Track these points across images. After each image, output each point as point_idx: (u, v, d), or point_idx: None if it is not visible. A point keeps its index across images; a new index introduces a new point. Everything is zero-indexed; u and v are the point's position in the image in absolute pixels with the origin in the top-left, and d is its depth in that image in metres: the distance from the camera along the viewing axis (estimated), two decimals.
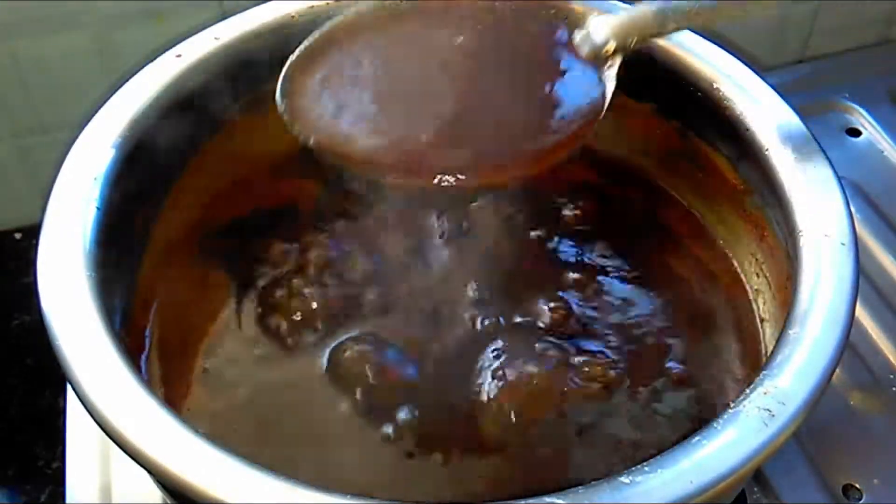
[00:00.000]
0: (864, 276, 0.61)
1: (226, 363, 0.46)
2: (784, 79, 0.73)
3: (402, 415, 0.44)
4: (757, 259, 0.48)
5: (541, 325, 0.47)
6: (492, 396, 0.44)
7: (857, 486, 0.51)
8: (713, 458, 0.34)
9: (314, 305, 0.47)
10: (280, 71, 0.46)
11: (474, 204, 0.51)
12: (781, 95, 0.47)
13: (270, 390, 0.45)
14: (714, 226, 0.51)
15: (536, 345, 0.46)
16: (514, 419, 0.44)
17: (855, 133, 0.71)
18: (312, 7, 0.50)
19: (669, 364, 0.46)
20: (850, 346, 0.55)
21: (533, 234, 0.52)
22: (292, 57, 0.45)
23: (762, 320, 0.47)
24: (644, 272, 0.50)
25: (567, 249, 0.51)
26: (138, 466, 0.34)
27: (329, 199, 0.51)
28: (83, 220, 0.41)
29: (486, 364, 0.45)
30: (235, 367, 0.46)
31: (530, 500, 0.33)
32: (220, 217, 0.51)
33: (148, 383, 0.36)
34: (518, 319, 0.48)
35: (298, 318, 0.47)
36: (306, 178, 0.51)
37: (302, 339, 0.47)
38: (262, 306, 0.48)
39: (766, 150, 0.45)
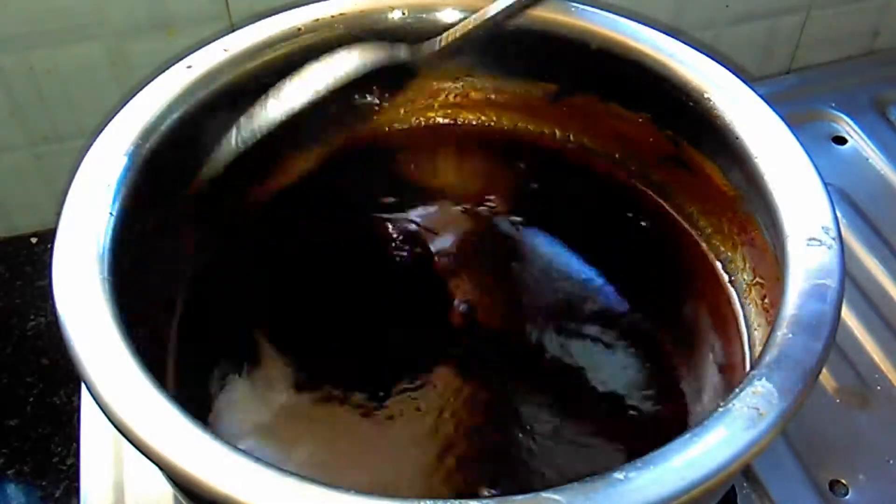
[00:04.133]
0: (850, 279, 0.61)
1: (237, 364, 0.47)
2: (772, 89, 0.74)
3: None
4: (747, 260, 0.49)
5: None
6: None
7: (843, 481, 0.52)
8: (704, 455, 0.34)
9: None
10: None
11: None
12: (770, 105, 0.47)
13: (285, 391, 0.46)
14: (706, 227, 0.51)
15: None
16: None
17: (841, 141, 0.71)
18: (318, 20, 0.51)
19: (655, 353, 0.48)
20: (837, 346, 0.56)
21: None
22: None
23: (752, 319, 0.48)
24: (638, 267, 0.51)
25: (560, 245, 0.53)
26: (150, 463, 0.35)
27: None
28: (97, 226, 0.41)
29: None
30: (247, 368, 0.47)
31: (528, 497, 0.33)
32: (232, 222, 0.51)
33: (159, 383, 0.36)
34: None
35: (313, 324, 0.48)
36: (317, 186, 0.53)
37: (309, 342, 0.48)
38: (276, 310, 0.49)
39: (755, 157, 0.45)
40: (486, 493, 0.42)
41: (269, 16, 0.51)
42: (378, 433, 0.45)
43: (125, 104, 0.46)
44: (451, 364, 0.47)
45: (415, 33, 0.53)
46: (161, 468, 0.35)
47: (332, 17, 0.51)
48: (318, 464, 0.44)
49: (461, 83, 0.56)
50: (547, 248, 0.53)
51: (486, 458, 0.44)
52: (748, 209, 0.47)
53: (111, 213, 0.42)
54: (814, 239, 0.41)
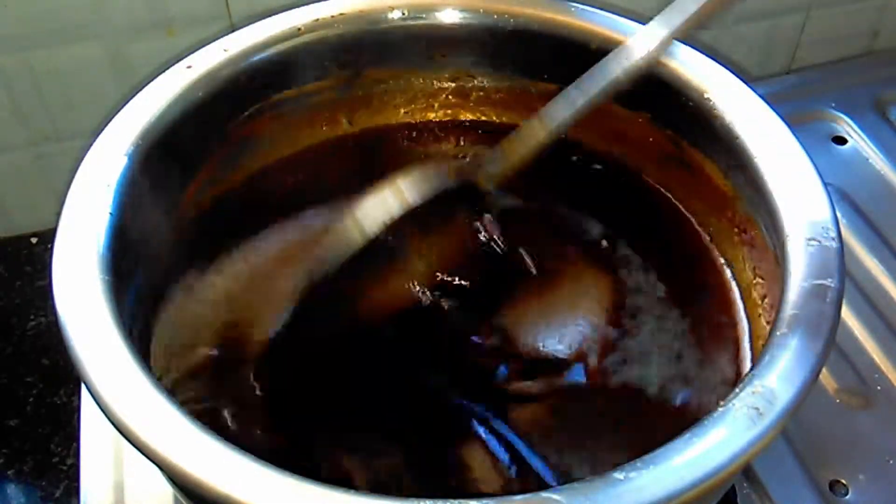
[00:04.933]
0: (850, 279, 0.61)
1: (237, 364, 0.46)
2: (772, 89, 0.74)
3: None
4: (747, 260, 0.49)
5: None
6: None
7: (843, 481, 0.52)
8: (704, 455, 0.34)
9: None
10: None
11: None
12: (770, 105, 0.47)
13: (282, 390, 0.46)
14: (706, 227, 0.52)
15: None
16: None
17: (841, 141, 0.71)
18: (318, 20, 0.51)
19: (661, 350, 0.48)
20: (837, 346, 0.56)
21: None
22: None
23: (754, 317, 0.48)
24: (642, 266, 0.51)
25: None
26: (150, 463, 0.35)
27: None
28: (97, 226, 0.41)
29: None
30: (248, 368, 0.46)
31: (528, 497, 0.33)
32: (231, 222, 0.51)
33: (159, 382, 0.36)
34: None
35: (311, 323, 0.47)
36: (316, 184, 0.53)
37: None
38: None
39: (755, 157, 0.46)
40: None
41: (269, 16, 0.51)
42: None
43: (125, 104, 0.46)
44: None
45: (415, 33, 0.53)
46: (161, 468, 0.35)
47: (332, 17, 0.51)
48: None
49: (461, 83, 0.56)
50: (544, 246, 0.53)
51: None
52: (748, 209, 0.48)
53: (111, 213, 0.42)
54: (814, 239, 0.42)
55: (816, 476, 0.52)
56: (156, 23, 0.60)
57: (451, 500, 0.33)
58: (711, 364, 0.47)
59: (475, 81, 0.56)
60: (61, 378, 0.58)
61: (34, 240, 0.66)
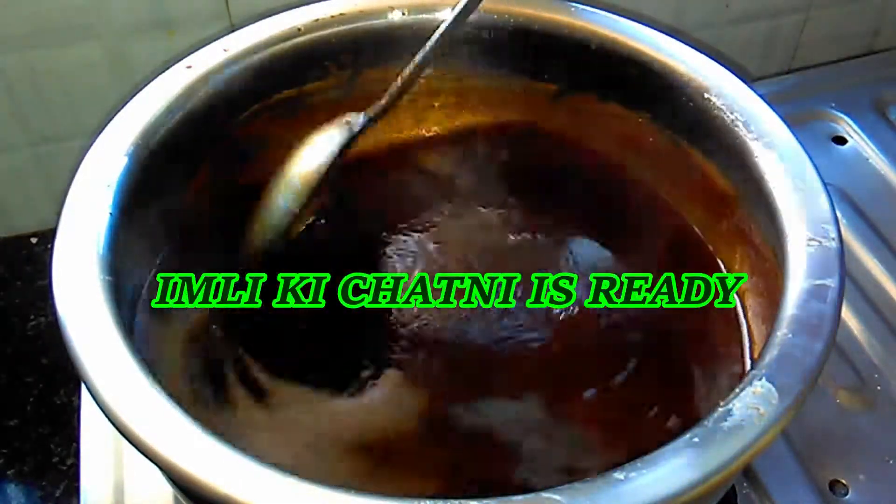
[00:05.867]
0: (850, 279, 0.61)
1: (236, 364, 0.47)
2: (772, 89, 0.74)
3: None
4: (746, 260, 0.48)
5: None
6: None
7: (844, 481, 0.52)
8: (704, 455, 0.34)
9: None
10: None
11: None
12: (770, 105, 0.47)
13: (279, 386, 0.46)
14: (704, 228, 0.52)
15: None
16: None
17: (841, 141, 0.72)
18: (318, 20, 0.51)
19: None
20: (837, 346, 0.55)
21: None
22: None
23: (751, 320, 0.48)
24: (636, 267, 0.51)
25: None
26: (150, 463, 0.35)
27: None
28: (97, 226, 0.41)
29: None
30: (247, 368, 0.46)
31: (528, 497, 0.33)
32: (232, 222, 0.51)
33: (159, 383, 0.36)
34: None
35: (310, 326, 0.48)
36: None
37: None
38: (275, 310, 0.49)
39: (755, 157, 0.46)
40: None
41: (269, 16, 0.51)
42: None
43: (125, 104, 0.46)
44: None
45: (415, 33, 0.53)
46: (161, 468, 0.35)
47: (332, 17, 0.51)
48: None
49: (461, 83, 0.56)
50: (545, 247, 0.53)
51: None
52: (748, 209, 0.48)
53: (111, 213, 0.42)
54: (814, 239, 0.42)
55: (816, 476, 0.52)
56: (156, 23, 0.60)
57: (452, 500, 0.33)
58: (710, 364, 0.47)
59: (475, 81, 0.56)
60: (61, 378, 0.58)
61: (34, 240, 0.66)
